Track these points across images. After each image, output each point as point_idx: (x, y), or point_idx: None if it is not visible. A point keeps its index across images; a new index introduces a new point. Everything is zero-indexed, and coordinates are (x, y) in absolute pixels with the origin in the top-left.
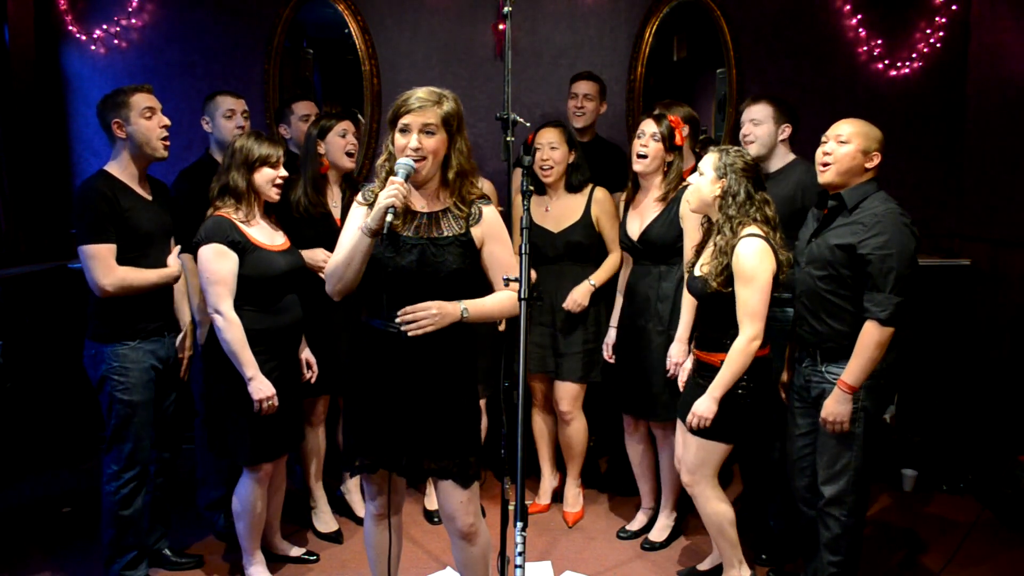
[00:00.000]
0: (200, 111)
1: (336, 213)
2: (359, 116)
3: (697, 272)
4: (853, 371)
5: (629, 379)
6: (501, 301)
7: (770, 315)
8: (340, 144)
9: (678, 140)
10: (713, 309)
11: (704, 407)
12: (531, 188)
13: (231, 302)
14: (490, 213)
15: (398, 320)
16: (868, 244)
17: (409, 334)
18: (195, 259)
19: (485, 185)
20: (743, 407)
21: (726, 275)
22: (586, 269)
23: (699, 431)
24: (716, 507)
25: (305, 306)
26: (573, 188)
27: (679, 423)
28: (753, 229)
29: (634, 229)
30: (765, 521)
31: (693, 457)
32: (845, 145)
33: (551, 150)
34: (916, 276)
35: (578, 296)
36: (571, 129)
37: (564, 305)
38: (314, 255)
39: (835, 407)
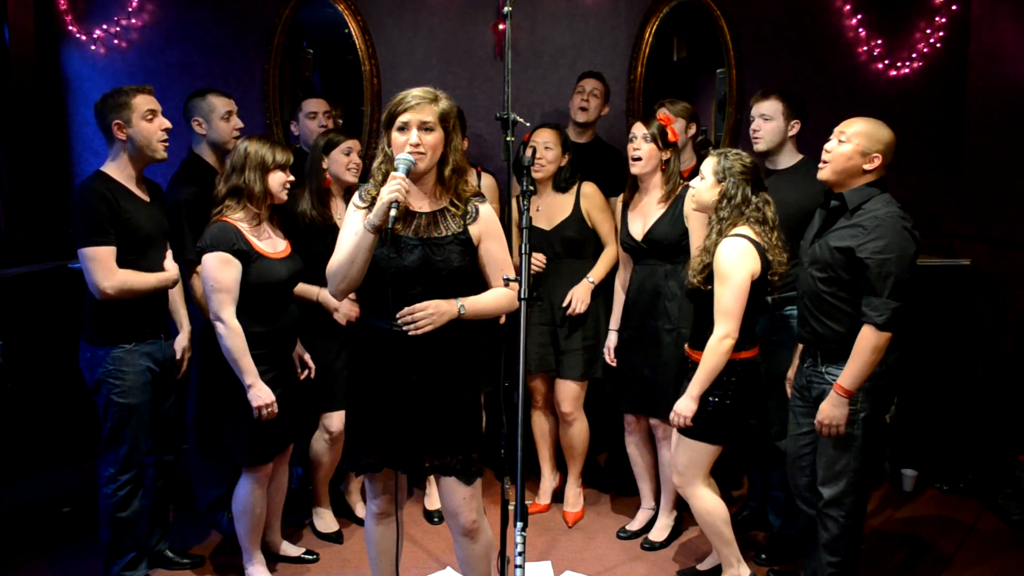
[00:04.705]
0: (187, 109)
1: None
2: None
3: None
4: (849, 375)
5: (635, 378)
6: (497, 298)
7: (779, 313)
8: (343, 162)
9: (671, 136)
10: (697, 306)
11: (683, 406)
12: (531, 188)
13: (233, 310)
14: (486, 211)
15: (400, 321)
16: (867, 248)
17: (410, 333)
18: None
19: (487, 181)
20: (728, 408)
21: (707, 273)
22: (584, 265)
23: (687, 432)
24: (708, 506)
25: (318, 321)
26: (560, 188)
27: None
28: (741, 229)
29: (637, 230)
30: (766, 520)
31: (682, 458)
32: (844, 144)
33: (545, 149)
34: (915, 281)
35: (579, 294)
36: (567, 134)
37: (566, 306)
38: (307, 291)
39: (831, 411)
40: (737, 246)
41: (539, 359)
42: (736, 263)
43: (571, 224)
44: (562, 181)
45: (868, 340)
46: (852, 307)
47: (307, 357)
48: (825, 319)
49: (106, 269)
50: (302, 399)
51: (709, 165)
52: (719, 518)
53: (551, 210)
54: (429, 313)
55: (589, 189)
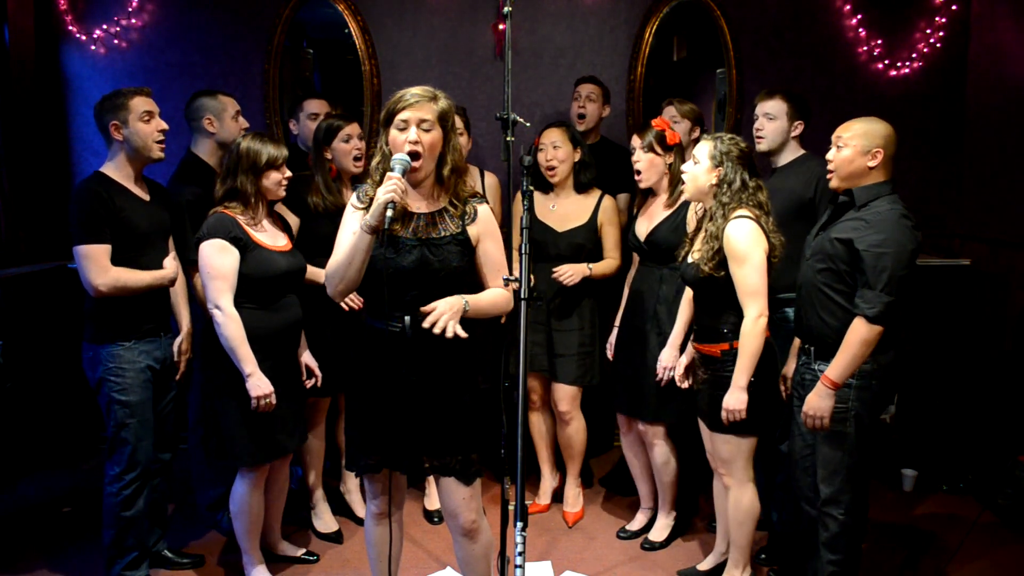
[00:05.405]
0: (194, 109)
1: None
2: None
3: (690, 259)
4: (837, 367)
5: (624, 378)
6: (496, 298)
7: (777, 314)
8: (345, 150)
9: (670, 139)
10: (706, 296)
11: (734, 400)
12: (531, 188)
13: (231, 297)
14: (484, 211)
15: (425, 326)
16: (865, 240)
17: (447, 335)
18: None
19: (490, 180)
20: (756, 395)
21: (718, 259)
22: None
23: (716, 427)
24: (752, 501)
25: (306, 308)
26: (582, 187)
27: (700, 423)
28: (742, 211)
29: (641, 230)
30: (768, 517)
31: (724, 454)
32: (843, 149)
33: (554, 149)
34: (912, 278)
35: (574, 268)
36: (575, 129)
37: (554, 271)
38: (316, 274)
39: (817, 402)
40: (746, 226)
41: (532, 358)
42: (751, 241)
43: (583, 232)
44: (583, 178)
45: (858, 332)
46: (847, 300)
47: (313, 364)
48: (821, 312)
49: (100, 267)
50: (303, 402)
51: (704, 149)
52: (751, 515)
53: (567, 212)
54: (449, 307)
55: (609, 203)
